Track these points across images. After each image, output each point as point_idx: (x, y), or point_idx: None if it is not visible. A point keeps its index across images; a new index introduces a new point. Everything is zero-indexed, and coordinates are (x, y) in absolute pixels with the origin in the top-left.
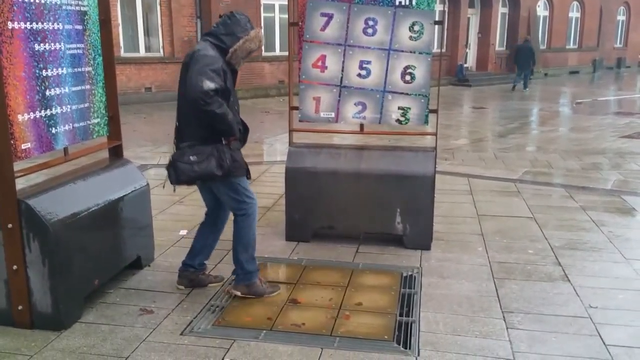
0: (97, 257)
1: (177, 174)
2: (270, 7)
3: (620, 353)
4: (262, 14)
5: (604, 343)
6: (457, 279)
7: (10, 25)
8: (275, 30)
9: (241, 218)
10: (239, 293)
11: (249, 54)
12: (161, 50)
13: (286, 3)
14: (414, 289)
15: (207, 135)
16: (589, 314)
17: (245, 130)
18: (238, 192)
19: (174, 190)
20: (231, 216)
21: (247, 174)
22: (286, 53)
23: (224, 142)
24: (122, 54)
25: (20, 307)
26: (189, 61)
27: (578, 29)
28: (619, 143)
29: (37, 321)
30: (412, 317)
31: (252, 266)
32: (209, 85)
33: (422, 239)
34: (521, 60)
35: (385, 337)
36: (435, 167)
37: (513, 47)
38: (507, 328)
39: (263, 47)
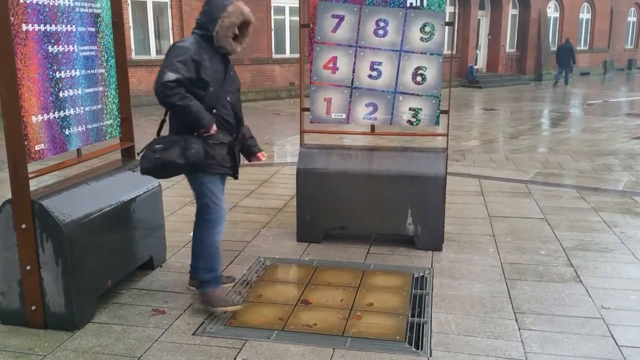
0: (109, 257)
1: (141, 161)
2: (280, 10)
3: (634, 354)
4: (273, 17)
5: (617, 344)
6: (469, 280)
7: (24, 27)
8: (286, 32)
9: (203, 223)
10: (199, 301)
11: (232, 31)
12: None
13: (296, 5)
14: (425, 289)
15: (180, 128)
16: (601, 314)
17: (237, 121)
18: (203, 193)
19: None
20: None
21: (233, 173)
22: (296, 55)
23: (195, 134)
24: (134, 56)
25: (33, 307)
26: None
27: (589, 30)
28: (631, 144)
29: (50, 321)
30: (423, 317)
31: (208, 276)
32: (170, 76)
33: (433, 240)
34: (562, 59)
35: (397, 337)
36: (446, 168)
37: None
38: (519, 329)
39: (273, 49)
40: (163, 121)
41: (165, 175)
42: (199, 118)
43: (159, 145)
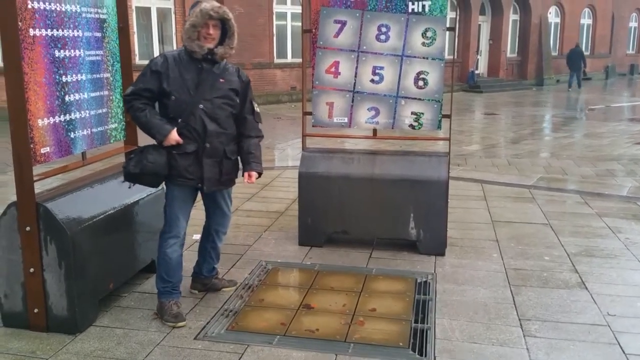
0: (112, 260)
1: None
2: (282, 15)
3: None
4: (275, 22)
5: (624, 352)
6: (473, 286)
7: (31, 32)
8: (287, 37)
9: (160, 231)
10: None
11: (195, 32)
12: None
13: (298, 11)
14: (428, 295)
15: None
16: (607, 321)
17: (204, 130)
18: (165, 202)
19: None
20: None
21: (197, 184)
22: (298, 60)
23: (157, 145)
24: (137, 61)
25: (36, 310)
26: None
27: (590, 36)
28: (634, 149)
29: (52, 324)
30: (427, 323)
31: (159, 284)
32: (127, 90)
33: (436, 245)
34: (573, 63)
35: (401, 343)
36: (448, 172)
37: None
38: (524, 336)
39: (275, 54)
40: None
41: (140, 183)
42: (149, 128)
43: (131, 156)
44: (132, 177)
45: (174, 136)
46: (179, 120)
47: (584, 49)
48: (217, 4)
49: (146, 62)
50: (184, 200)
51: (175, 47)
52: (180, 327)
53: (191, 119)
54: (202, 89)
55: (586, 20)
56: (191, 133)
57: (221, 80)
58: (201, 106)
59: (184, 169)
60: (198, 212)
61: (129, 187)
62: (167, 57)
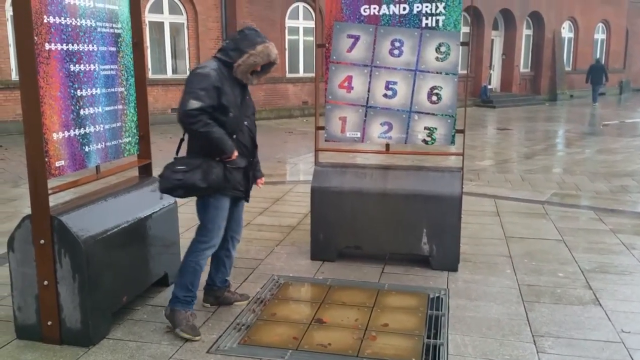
0: (125, 273)
1: (161, 181)
2: (294, 30)
3: None
4: (287, 37)
5: None
6: (486, 301)
7: (47, 46)
8: (300, 52)
9: (196, 243)
10: (164, 312)
11: (262, 70)
12: (188, 72)
13: (310, 26)
14: (441, 310)
15: (201, 150)
16: (621, 338)
17: (253, 146)
18: (207, 213)
19: (161, 197)
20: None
21: (245, 197)
22: (310, 74)
23: (217, 159)
24: (150, 75)
25: (49, 323)
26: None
27: (604, 51)
28: None
29: (66, 337)
30: (440, 339)
31: (181, 292)
32: (193, 104)
33: (448, 260)
34: (595, 78)
35: (413, 359)
36: (462, 188)
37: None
38: (537, 352)
39: (287, 69)
40: (182, 140)
41: (182, 196)
42: (221, 145)
43: (181, 167)
44: (191, 189)
45: (236, 152)
46: (234, 136)
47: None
48: (275, 50)
49: (159, 76)
50: (227, 211)
51: (188, 62)
52: (195, 341)
53: (240, 135)
54: (244, 106)
55: (600, 35)
56: (241, 149)
57: (247, 97)
58: (246, 123)
59: (237, 182)
60: None
61: (161, 198)
62: (217, 71)
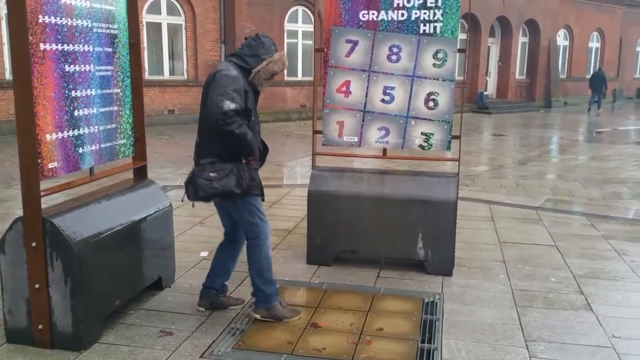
0: (118, 277)
1: (195, 189)
2: (293, 33)
3: None
4: (286, 40)
5: None
6: (480, 306)
7: (42, 46)
8: (298, 55)
9: (253, 242)
10: (258, 316)
11: (271, 76)
12: (185, 74)
13: (309, 30)
14: (435, 315)
15: (227, 154)
16: (612, 343)
17: (264, 150)
18: (251, 213)
19: (193, 205)
20: None
21: (262, 195)
22: (308, 78)
23: (243, 161)
24: (147, 76)
25: (40, 326)
26: (210, 81)
27: (598, 59)
28: None
29: (57, 341)
30: (434, 344)
31: (269, 289)
32: (229, 105)
33: (443, 265)
34: (596, 86)
35: None
36: (457, 193)
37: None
38: (530, 357)
39: (286, 72)
40: (198, 143)
41: (216, 202)
42: (252, 146)
43: (213, 174)
44: (226, 195)
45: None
46: None
47: (592, 72)
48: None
49: (156, 77)
50: (262, 205)
51: (185, 63)
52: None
53: (257, 138)
54: (255, 111)
55: (594, 44)
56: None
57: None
58: (257, 128)
59: (259, 181)
60: (205, 230)
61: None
62: (240, 76)
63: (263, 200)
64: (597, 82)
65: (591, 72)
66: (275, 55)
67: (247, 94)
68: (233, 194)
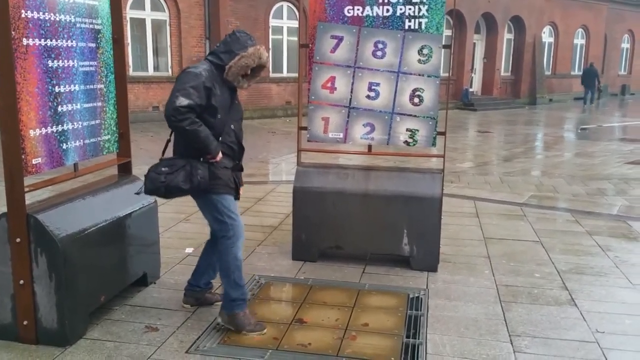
0: (103, 273)
1: (146, 182)
2: (278, 30)
3: None
4: (270, 36)
5: None
6: (464, 302)
7: (25, 41)
8: (283, 52)
9: (222, 240)
10: (219, 320)
11: (252, 72)
12: (169, 70)
13: (294, 26)
14: (420, 310)
15: (186, 151)
16: (596, 338)
17: (240, 148)
18: (218, 211)
19: (138, 193)
20: None
21: (235, 194)
22: (293, 74)
23: (201, 159)
24: (131, 72)
25: (25, 322)
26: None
27: (583, 56)
28: (624, 169)
29: (42, 337)
30: (418, 339)
31: (235, 292)
32: (182, 101)
33: (428, 261)
34: (588, 81)
35: (392, 358)
36: (442, 189)
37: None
38: (514, 352)
39: (271, 69)
40: (168, 141)
41: (169, 197)
42: (207, 144)
43: (165, 168)
44: (174, 191)
45: (220, 153)
46: (219, 138)
47: (576, 69)
48: (266, 52)
49: (141, 73)
50: (235, 204)
51: (169, 59)
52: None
53: (227, 138)
54: (233, 109)
55: (579, 41)
56: (227, 151)
57: (236, 102)
58: (232, 126)
59: (228, 179)
60: (190, 226)
61: (137, 193)
62: (209, 72)
63: (237, 199)
64: (589, 78)
65: (576, 69)
66: (249, 50)
67: (212, 90)
68: (180, 189)
